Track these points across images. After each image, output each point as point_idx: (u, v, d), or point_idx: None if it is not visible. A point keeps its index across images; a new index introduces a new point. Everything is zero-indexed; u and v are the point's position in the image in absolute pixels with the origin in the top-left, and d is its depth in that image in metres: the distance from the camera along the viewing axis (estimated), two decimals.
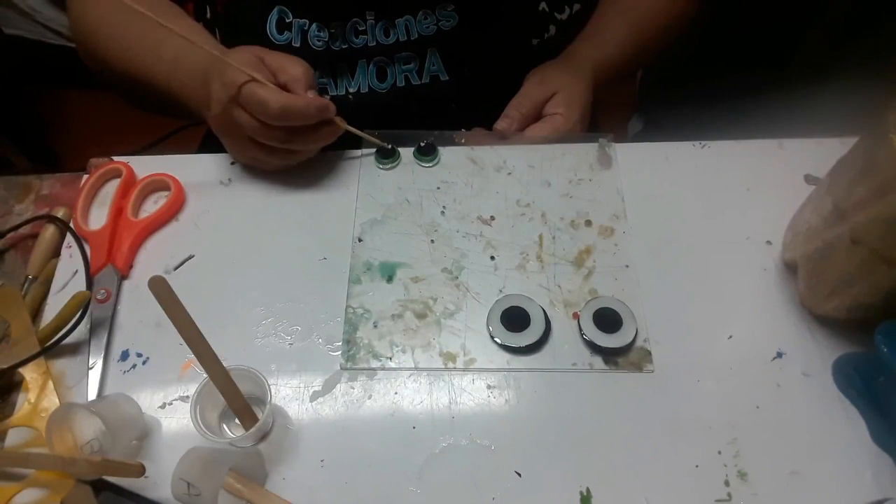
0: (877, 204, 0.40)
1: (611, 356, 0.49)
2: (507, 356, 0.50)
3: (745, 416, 0.47)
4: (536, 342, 0.50)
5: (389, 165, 0.61)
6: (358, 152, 0.62)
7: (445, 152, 0.62)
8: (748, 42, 0.98)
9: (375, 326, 0.52)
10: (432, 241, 0.56)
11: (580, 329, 0.50)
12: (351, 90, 0.65)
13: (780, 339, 0.50)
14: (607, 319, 0.50)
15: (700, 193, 0.58)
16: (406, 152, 0.62)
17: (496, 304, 0.52)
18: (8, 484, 0.45)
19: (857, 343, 0.49)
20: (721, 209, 0.57)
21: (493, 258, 0.55)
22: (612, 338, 0.49)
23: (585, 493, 0.44)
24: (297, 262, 0.55)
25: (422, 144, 0.61)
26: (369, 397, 0.49)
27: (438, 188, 0.59)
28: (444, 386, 0.49)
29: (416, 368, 0.50)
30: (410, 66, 0.65)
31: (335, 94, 0.65)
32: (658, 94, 1.20)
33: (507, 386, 0.49)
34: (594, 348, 0.50)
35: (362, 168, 0.61)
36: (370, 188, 0.60)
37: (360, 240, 0.56)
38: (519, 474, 0.45)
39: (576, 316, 0.51)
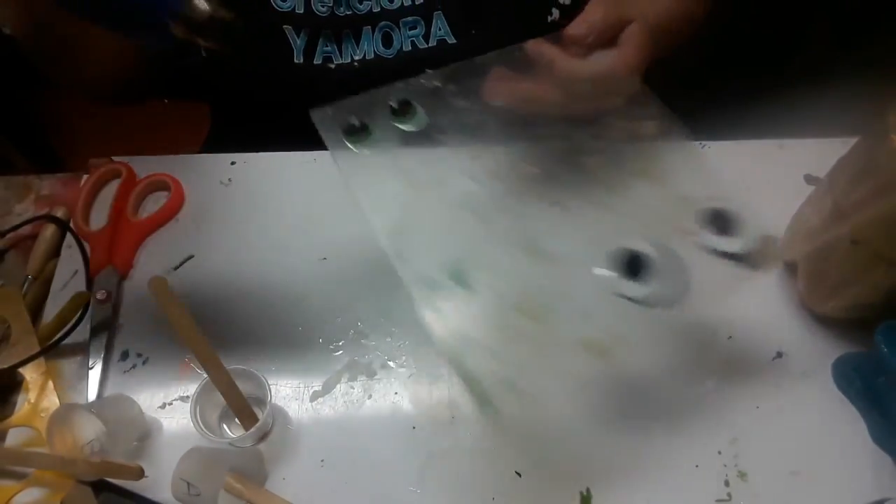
0: (877, 204, 0.40)
1: None
2: None
3: (745, 416, 0.47)
4: None
5: (362, 143, 0.47)
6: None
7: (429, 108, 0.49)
8: (748, 42, 0.98)
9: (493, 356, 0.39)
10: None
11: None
12: (356, 58, 0.63)
13: (780, 339, 0.50)
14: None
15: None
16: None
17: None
18: (8, 483, 0.45)
19: (857, 343, 0.49)
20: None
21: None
22: None
23: (585, 494, 0.44)
24: (297, 262, 0.55)
25: (393, 106, 0.47)
26: (369, 397, 0.49)
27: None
28: (444, 386, 0.49)
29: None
30: (416, 30, 0.63)
31: (340, 62, 0.63)
32: (658, 94, 1.20)
33: None
34: None
35: (339, 165, 0.47)
36: (362, 183, 0.46)
37: (400, 256, 0.42)
38: (519, 474, 0.45)
39: None
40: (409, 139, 0.48)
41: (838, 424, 0.46)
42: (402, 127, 0.48)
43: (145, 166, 0.61)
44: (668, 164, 0.48)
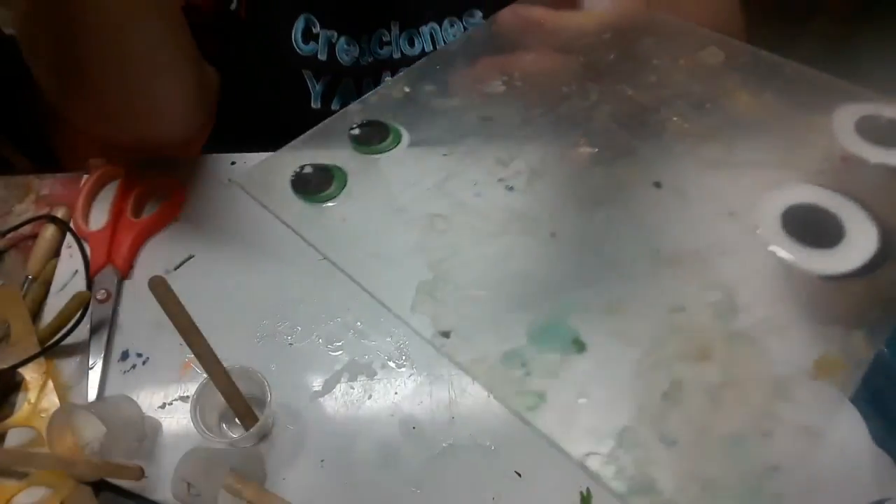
0: None
1: None
2: None
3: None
4: None
5: (316, 197, 0.32)
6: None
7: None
8: (752, 29, 0.98)
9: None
10: (552, 234, 0.30)
11: None
12: None
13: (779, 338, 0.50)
14: None
15: None
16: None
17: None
18: (8, 484, 0.45)
19: None
20: None
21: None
22: None
23: (585, 494, 0.44)
24: (297, 262, 0.55)
25: (353, 132, 0.35)
26: (369, 397, 0.49)
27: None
28: (444, 386, 0.49)
29: None
30: None
31: None
32: None
33: None
34: None
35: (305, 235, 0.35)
36: (345, 253, 0.31)
37: (445, 335, 0.29)
38: (519, 474, 0.45)
39: None
40: (391, 167, 0.34)
41: (838, 424, 0.46)
42: (377, 156, 0.35)
43: (145, 166, 0.61)
44: (774, 84, 0.34)
